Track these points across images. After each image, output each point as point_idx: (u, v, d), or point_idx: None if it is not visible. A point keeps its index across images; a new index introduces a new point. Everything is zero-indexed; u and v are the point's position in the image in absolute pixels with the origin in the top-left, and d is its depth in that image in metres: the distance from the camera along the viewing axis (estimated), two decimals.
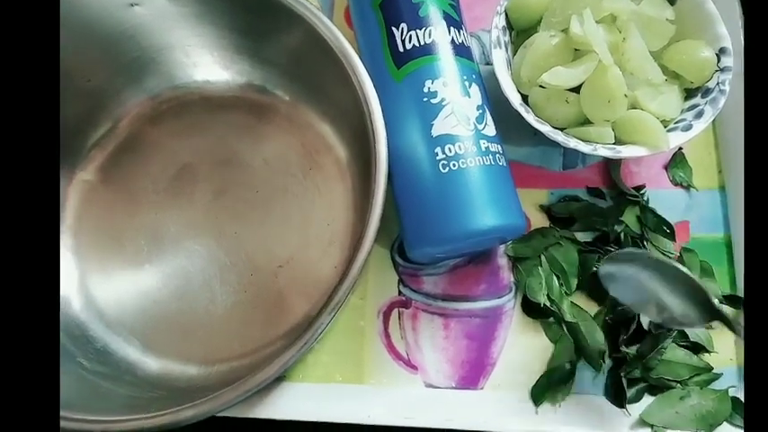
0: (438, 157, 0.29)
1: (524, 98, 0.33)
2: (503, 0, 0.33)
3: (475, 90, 0.31)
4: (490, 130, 0.30)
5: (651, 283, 0.28)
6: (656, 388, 0.31)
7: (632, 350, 0.31)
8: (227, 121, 0.35)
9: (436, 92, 0.30)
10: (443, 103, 0.29)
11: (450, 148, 0.29)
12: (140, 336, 0.32)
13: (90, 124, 0.34)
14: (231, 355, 0.31)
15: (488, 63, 0.38)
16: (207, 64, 0.35)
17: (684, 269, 0.27)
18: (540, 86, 0.32)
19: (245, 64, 0.34)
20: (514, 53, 0.34)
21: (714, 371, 0.32)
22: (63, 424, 0.24)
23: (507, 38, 0.34)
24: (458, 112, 0.29)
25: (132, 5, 0.30)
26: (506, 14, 0.34)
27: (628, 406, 0.30)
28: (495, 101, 0.32)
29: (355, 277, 0.25)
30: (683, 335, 0.32)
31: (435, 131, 0.29)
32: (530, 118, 0.31)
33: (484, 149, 0.29)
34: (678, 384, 0.31)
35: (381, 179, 0.27)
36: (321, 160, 0.34)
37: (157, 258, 0.33)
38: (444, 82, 0.30)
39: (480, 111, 0.30)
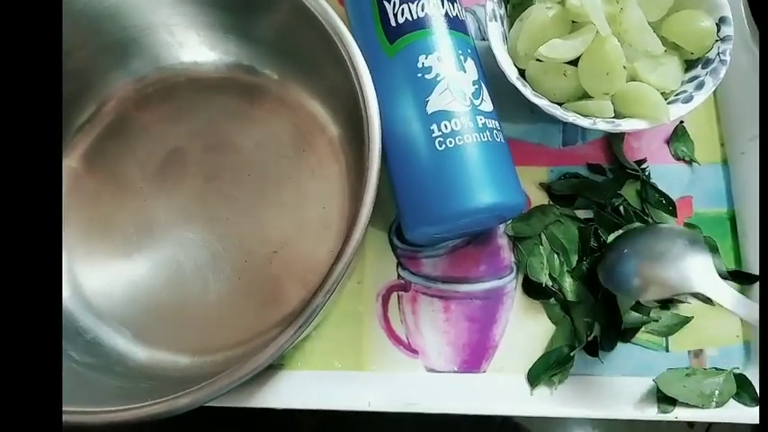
0: (434, 135, 0.29)
1: (521, 72, 0.33)
2: None
3: (470, 65, 0.31)
4: (487, 105, 0.30)
5: (646, 261, 0.29)
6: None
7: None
8: (216, 103, 0.35)
9: (430, 67, 0.30)
10: (438, 79, 0.29)
11: (446, 125, 0.29)
12: (131, 326, 0.31)
13: (73, 109, 0.33)
14: (226, 344, 0.31)
15: (484, 38, 0.38)
16: (193, 44, 0.34)
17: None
18: (537, 60, 0.32)
19: (231, 43, 0.34)
20: (510, 26, 0.34)
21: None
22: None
23: (503, 11, 0.34)
24: (453, 88, 0.29)
25: None
26: None
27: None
28: (491, 76, 0.32)
29: (350, 258, 0.25)
30: None
31: (430, 108, 0.29)
32: (527, 92, 0.31)
33: (481, 125, 0.29)
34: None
35: (375, 158, 0.26)
36: (314, 141, 0.34)
37: (147, 247, 0.33)
38: (439, 57, 0.30)
39: (476, 86, 0.30)
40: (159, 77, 0.35)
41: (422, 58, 0.30)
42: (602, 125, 0.30)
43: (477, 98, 0.30)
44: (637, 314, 0.31)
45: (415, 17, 0.30)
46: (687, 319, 0.32)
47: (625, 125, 0.31)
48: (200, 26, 0.33)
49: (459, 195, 0.28)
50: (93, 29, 0.31)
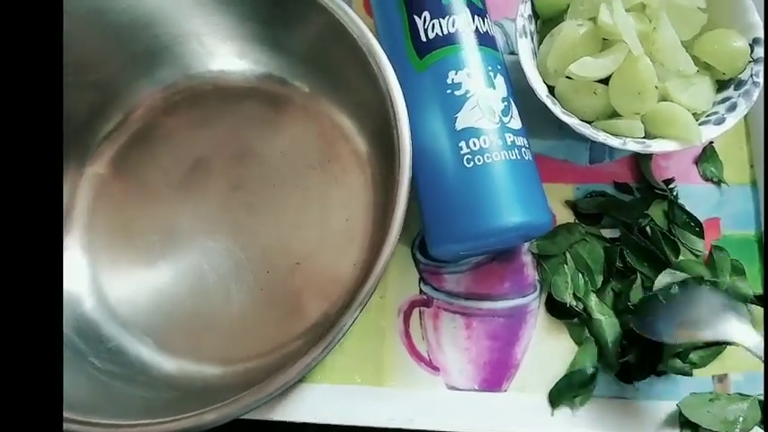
0: (462, 152, 0.29)
1: (550, 89, 0.33)
2: None
3: (500, 81, 0.31)
4: (516, 122, 0.30)
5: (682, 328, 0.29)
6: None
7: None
8: (243, 112, 0.35)
9: (460, 83, 0.30)
10: (468, 95, 0.30)
11: (474, 142, 0.29)
12: (154, 335, 0.32)
13: (101, 116, 0.34)
14: (248, 355, 0.31)
15: (512, 52, 0.38)
16: (223, 53, 0.35)
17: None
18: (567, 77, 0.32)
19: (262, 53, 0.34)
20: (540, 42, 0.34)
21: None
22: (74, 427, 0.24)
23: (533, 27, 0.34)
24: (482, 105, 0.30)
25: None
26: (531, 2, 0.34)
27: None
28: (518, 91, 0.32)
29: (378, 277, 0.25)
30: None
31: (459, 125, 0.29)
32: (556, 110, 0.31)
33: (509, 143, 0.29)
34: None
35: (405, 174, 0.27)
36: (340, 152, 0.34)
37: (171, 255, 0.33)
38: (469, 73, 0.30)
39: (506, 103, 0.30)
40: (187, 86, 0.35)
41: (452, 74, 0.30)
42: (633, 146, 0.30)
43: (507, 115, 0.30)
44: (680, 362, 0.31)
45: (445, 33, 0.30)
46: (720, 350, 0.32)
47: (655, 146, 0.30)
48: (231, 36, 0.34)
49: (486, 214, 0.28)
50: (122, 39, 0.32)
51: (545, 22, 0.35)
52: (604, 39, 0.32)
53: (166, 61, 0.34)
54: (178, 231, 0.34)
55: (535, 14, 0.34)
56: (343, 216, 0.34)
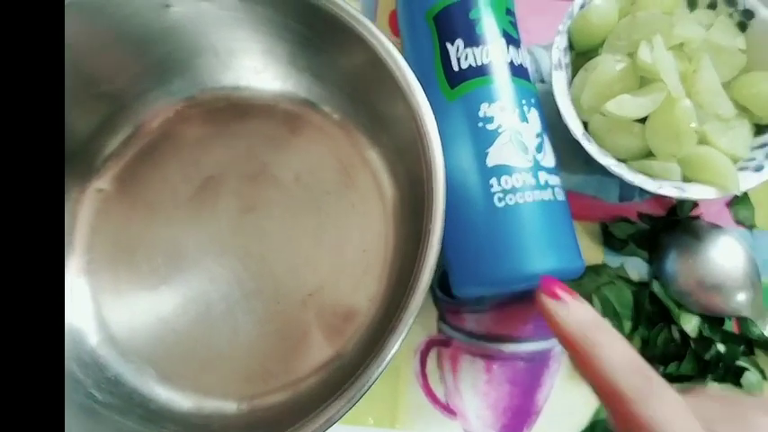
0: (493, 190, 0.28)
1: (583, 124, 0.33)
2: (566, 18, 0.33)
3: (534, 115, 0.30)
4: (549, 160, 0.30)
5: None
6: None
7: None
8: (257, 130, 0.34)
9: (492, 117, 0.29)
10: (500, 130, 0.29)
11: (506, 180, 0.28)
12: (156, 365, 0.31)
13: (110, 129, 0.33)
14: (254, 392, 0.31)
15: (542, 81, 0.38)
16: (238, 69, 0.34)
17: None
18: (602, 114, 0.32)
19: (284, 72, 0.34)
20: (573, 75, 0.34)
21: None
22: None
23: (567, 59, 0.34)
24: (515, 141, 0.29)
25: (168, 6, 0.29)
26: (568, 34, 0.33)
27: None
28: (548, 124, 0.32)
29: (409, 327, 0.24)
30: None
31: (491, 161, 0.29)
32: (592, 149, 0.31)
33: (543, 183, 0.29)
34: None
35: (438, 222, 0.25)
36: (358, 180, 0.34)
37: (176, 279, 0.32)
38: (502, 106, 0.29)
39: (539, 139, 0.30)
40: (200, 100, 0.35)
41: (484, 107, 0.29)
42: (669, 190, 0.30)
43: (540, 152, 0.30)
44: None
45: (479, 63, 0.30)
46: None
47: (692, 192, 0.30)
48: (250, 52, 0.33)
49: (515, 258, 0.28)
50: (138, 51, 0.31)
51: (578, 55, 0.34)
52: (642, 76, 0.32)
53: (180, 74, 0.33)
54: (184, 254, 0.33)
55: (570, 46, 0.34)
56: (360, 246, 0.33)
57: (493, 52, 0.30)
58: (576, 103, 0.33)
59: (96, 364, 0.30)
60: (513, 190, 0.28)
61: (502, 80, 0.30)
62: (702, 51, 0.31)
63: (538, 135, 0.30)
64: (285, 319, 0.32)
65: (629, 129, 0.31)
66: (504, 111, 0.30)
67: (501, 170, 0.29)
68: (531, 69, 0.38)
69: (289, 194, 0.34)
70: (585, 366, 0.21)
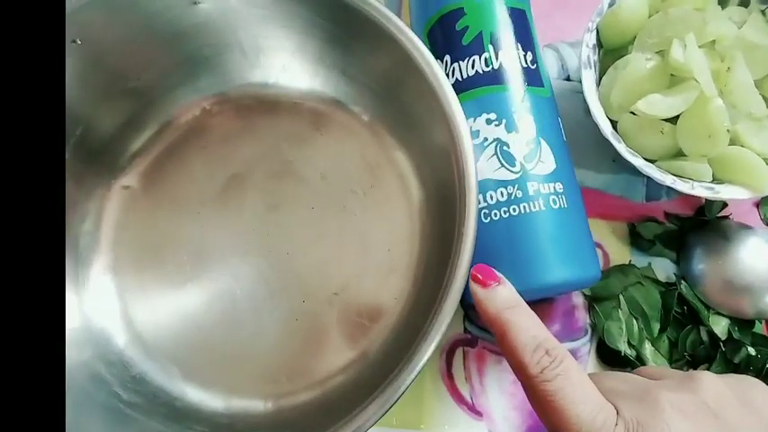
0: (480, 206, 0.28)
1: (612, 123, 0.33)
2: (595, 16, 0.33)
3: (526, 122, 0.29)
4: (543, 167, 0.29)
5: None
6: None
7: None
8: (284, 128, 0.34)
9: (477, 131, 0.29)
10: (485, 144, 0.29)
11: (491, 195, 0.28)
12: (180, 363, 0.31)
13: (136, 126, 0.33)
14: (280, 390, 0.31)
15: (568, 78, 0.38)
16: (266, 66, 0.34)
17: None
18: (631, 113, 0.31)
19: (306, 68, 0.34)
20: (602, 73, 0.33)
21: None
22: None
23: (596, 57, 0.33)
24: (501, 153, 0.29)
25: (196, 3, 0.29)
26: (597, 31, 0.33)
27: None
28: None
29: (442, 333, 0.24)
30: None
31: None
32: (622, 149, 0.31)
33: (532, 193, 0.28)
34: None
35: (471, 223, 0.25)
36: (384, 178, 0.34)
37: (201, 277, 0.32)
38: (487, 119, 0.29)
39: (531, 146, 0.29)
40: (227, 97, 0.35)
41: (469, 122, 0.29)
42: (701, 191, 0.30)
43: (531, 160, 0.29)
44: None
45: (464, 76, 0.30)
46: None
47: (724, 193, 0.30)
48: (278, 50, 0.33)
49: (507, 275, 0.26)
50: (167, 47, 0.31)
51: (607, 53, 0.34)
52: (672, 74, 0.31)
53: (207, 71, 0.33)
54: (209, 252, 0.33)
55: (599, 43, 0.34)
56: (385, 245, 0.33)
57: (479, 64, 0.30)
58: (603, 101, 0.32)
59: (122, 362, 0.31)
60: (498, 205, 0.28)
61: (488, 93, 0.30)
62: (735, 49, 0.31)
63: (530, 142, 0.29)
64: (310, 318, 0.32)
65: (659, 128, 0.31)
66: (491, 123, 0.29)
67: (485, 186, 0.28)
68: (555, 66, 0.38)
69: (314, 192, 0.34)
70: (500, 343, 0.24)
